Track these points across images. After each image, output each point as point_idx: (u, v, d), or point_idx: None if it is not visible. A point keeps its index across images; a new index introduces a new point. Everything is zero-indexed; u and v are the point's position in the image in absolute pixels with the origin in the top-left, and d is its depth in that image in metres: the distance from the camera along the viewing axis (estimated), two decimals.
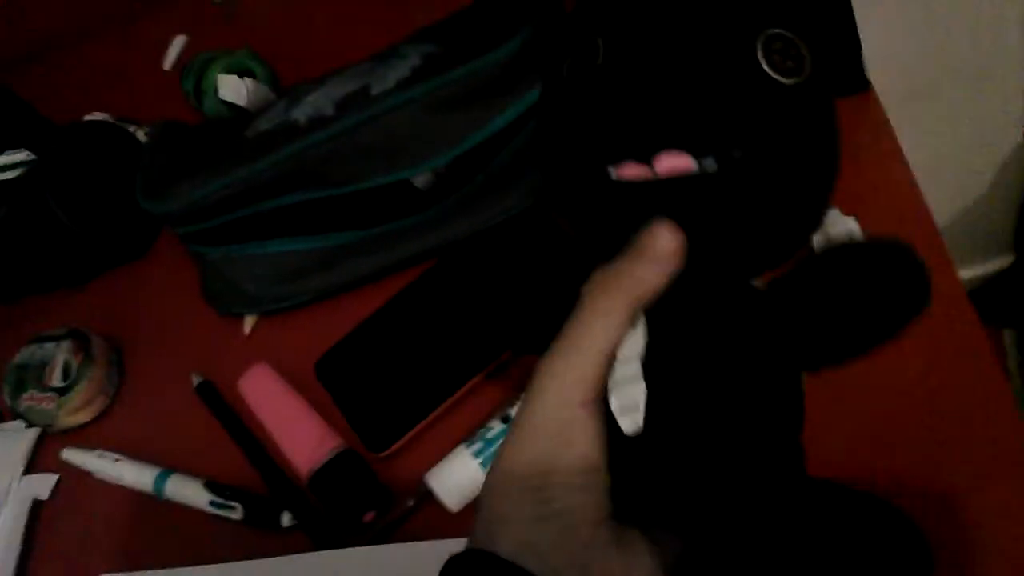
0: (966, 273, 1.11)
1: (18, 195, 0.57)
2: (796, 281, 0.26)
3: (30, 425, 0.55)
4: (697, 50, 0.23)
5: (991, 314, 1.10)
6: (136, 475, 0.50)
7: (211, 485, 0.48)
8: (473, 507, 0.42)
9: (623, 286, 0.24)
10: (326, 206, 0.47)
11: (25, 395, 0.54)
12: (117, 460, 0.51)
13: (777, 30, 0.24)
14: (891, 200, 0.44)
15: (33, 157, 0.60)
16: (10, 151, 0.60)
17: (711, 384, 0.24)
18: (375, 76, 0.46)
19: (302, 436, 0.47)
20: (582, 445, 0.24)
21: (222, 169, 0.47)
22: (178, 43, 0.70)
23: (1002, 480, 0.37)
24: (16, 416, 0.54)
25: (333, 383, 0.48)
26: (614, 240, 0.25)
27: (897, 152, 0.46)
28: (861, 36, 0.43)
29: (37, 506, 0.52)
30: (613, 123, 0.24)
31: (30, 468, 0.54)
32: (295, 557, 0.44)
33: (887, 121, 0.46)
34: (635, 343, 0.24)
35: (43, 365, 0.54)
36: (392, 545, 0.43)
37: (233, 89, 0.57)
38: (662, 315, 0.25)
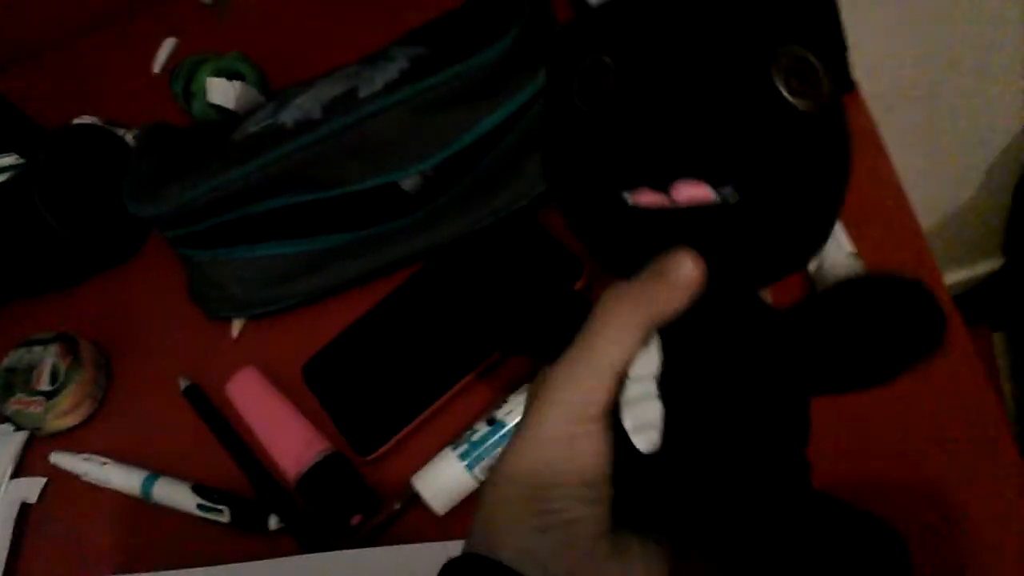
0: (956, 276, 1.11)
1: (6, 199, 0.57)
2: (816, 309, 0.26)
3: (18, 428, 0.54)
4: (713, 75, 0.23)
5: (981, 317, 1.10)
6: (124, 478, 0.50)
7: (199, 488, 0.48)
8: (459, 510, 0.42)
9: (641, 306, 0.24)
10: (314, 209, 0.47)
11: (13, 399, 0.53)
12: (105, 463, 0.51)
13: (794, 51, 0.23)
14: (876, 203, 0.44)
15: (21, 161, 0.60)
16: None
17: (726, 405, 0.24)
18: (363, 79, 0.46)
19: (289, 439, 0.47)
20: (589, 458, 0.24)
21: (209, 172, 0.47)
22: (167, 46, 0.70)
23: (991, 481, 0.37)
24: (4, 419, 0.54)
25: (320, 387, 0.48)
26: (628, 263, 0.25)
27: (883, 154, 0.46)
28: (850, 39, 0.44)
29: (25, 509, 0.52)
30: (629, 150, 0.24)
31: (18, 471, 0.54)
32: (283, 560, 0.44)
33: (873, 122, 0.46)
34: (648, 363, 0.25)
35: (31, 369, 0.54)
36: (379, 548, 0.43)
37: (222, 92, 0.57)
38: (677, 336, 0.25)
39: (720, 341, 0.25)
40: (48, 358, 0.54)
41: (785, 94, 0.23)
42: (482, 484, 0.41)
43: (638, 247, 0.25)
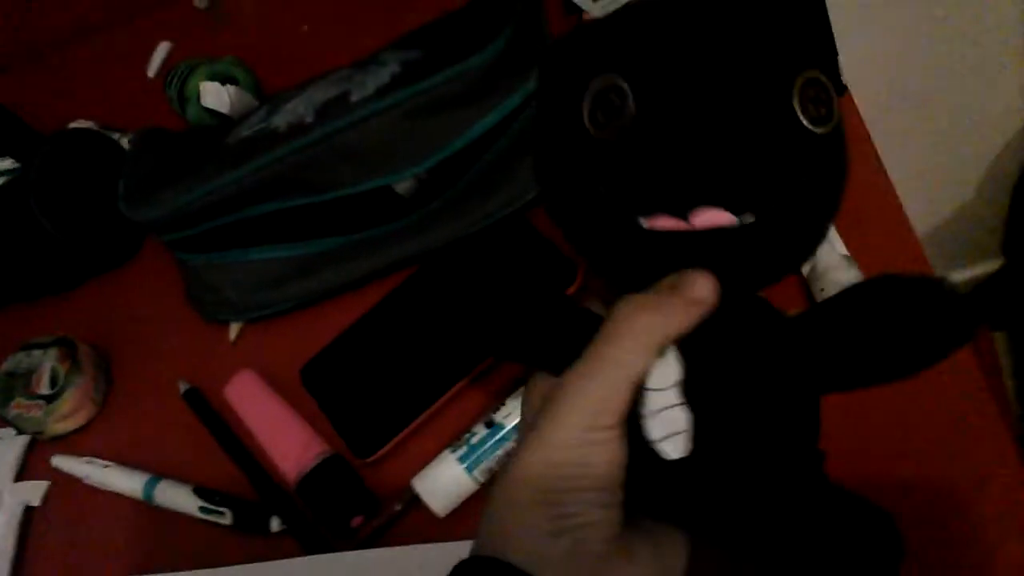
0: (957, 277, 1.12)
1: (2, 203, 0.57)
2: (833, 311, 0.26)
3: (20, 432, 0.55)
4: (738, 104, 0.23)
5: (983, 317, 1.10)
6: (126, 481, 0.50)
7: (200, 491, 0.48)
8: (460, 511, 0.43)
9: (659, 321, 0.24)
10: (307, 213, 0.47)
11: (13, 403, 0.54)
12: (107, 467, 0.51)
13: (811, 76, 0.23)
14: (869, 205, 0.44)
15: (17, 165, 0.60)
16: None
17: (749, 406, 0.25)
18: (355, 82, 0.47)
19: (289, 442, 0.47)
20: (604, 465, 0.24)
21: (203, 176, 0.47)
22: (162, 50, 0.70)
23: (992, 480, 0.37)
24: (5, 424, 0.55)
25: (319, 389, 0.48)
26: (636, 280, 0.26)
27: (874, 156, 0.46)
28: (849, 41, 0.44)
29: (29, 512, 0.53)
30: (650, 178, 0.23)
31: (21, 475, 0.54)
32: (284, 562, 0.45)
33: (864, 124, 0.47)
34: (667, 373, 0.25)
35: (30, 373, 0.54)
36: (380, 549, 0.44)
37: (216, 96, 0.57)
38: (695, 345, 0.25)
39: (737, 346, 0.25)
40: (47, 362, 0.54)
41: (806, 123, 0.23)
42: (491, 486, 0.41)
43: (649, 266, 0.25)
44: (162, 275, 0.57)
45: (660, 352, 0.25)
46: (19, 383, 0.54)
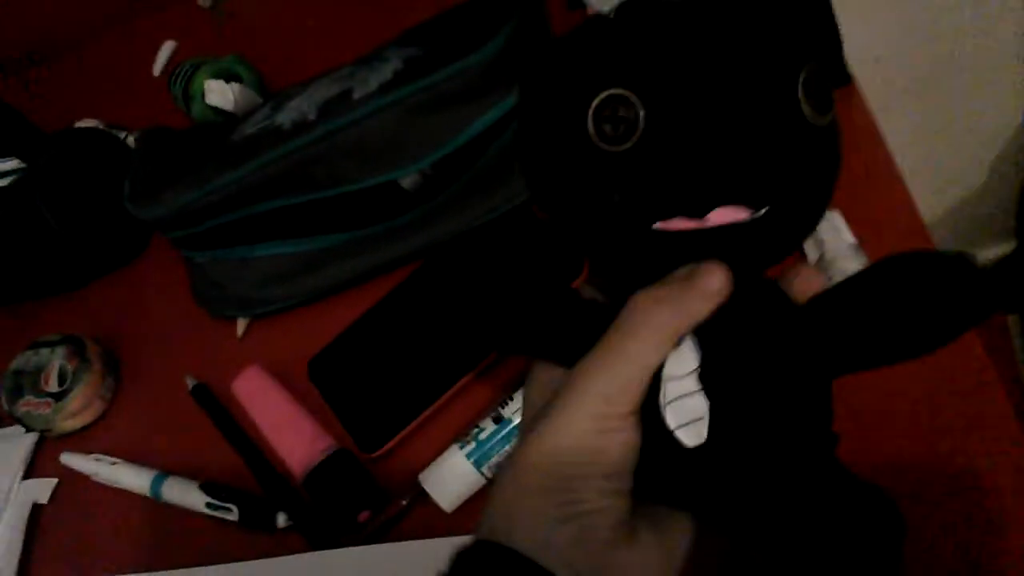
0: None
1: (9, 203, 0.57)
2: (851, 287, 0.26)
3: (29, 430, 0.55)
4: (747, 107, 0.23)
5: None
6: (133, 478, 0.50)
7: (207, 487, 0.48)
8: (468, 506, 0.43)
9: (675, 312, 0.25)
10: (311, 209, 0.48)
11: (22, 400, 0.54)
12: (115, 464, 0.52)
13: (812, 70, 0.24)
14: (876, 194, 0.44)
15: (23, 164, 0.60)
16: (0, 159, 0.60)
17: (766, 393, 0.25)
18: (357, 80, 0.47)
19: (296, 437, 0.47)
20: (617, 453, 0.24)
21: (208, 174, 0.47)
22: (167, 48, 0.70)
23: (999, 469, 0.37)
24: (14, 421, 0.55)
25: (325, 384, 0.48)
26: (645, 276, 0.26)
27: (881, 145, 0.46)
28: (856, 28, 0.44)
29: (37, 510, 0.53)
30: (667, 187, 0.24)
31: (30, 472, 0.55)
32: (291, 557, 0.45)
33: (870, 113, 0.46)
34: (683, 362, 0.25)
35: (39, 371, 0.55)
36: (387, 544, 0.43)
37: (220, 94, 0.57)
38: (710, 333, 0.25)
39: (752, 332, 0.25)
40: (55, 360, 0.55)
41: (811, 116, 0.24)
42: (499, 471, 0.41)
43: (661, 264, 0.25)
44: (169, 272, 0.58)
45: (676, 343, 0.25)
46: (28, 381, 0.54)
